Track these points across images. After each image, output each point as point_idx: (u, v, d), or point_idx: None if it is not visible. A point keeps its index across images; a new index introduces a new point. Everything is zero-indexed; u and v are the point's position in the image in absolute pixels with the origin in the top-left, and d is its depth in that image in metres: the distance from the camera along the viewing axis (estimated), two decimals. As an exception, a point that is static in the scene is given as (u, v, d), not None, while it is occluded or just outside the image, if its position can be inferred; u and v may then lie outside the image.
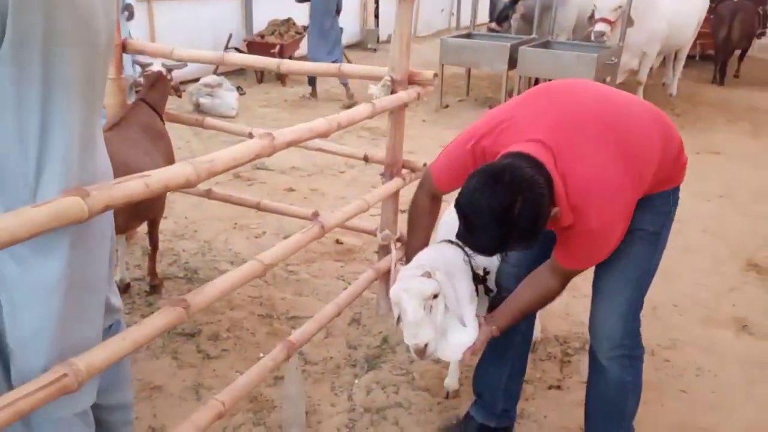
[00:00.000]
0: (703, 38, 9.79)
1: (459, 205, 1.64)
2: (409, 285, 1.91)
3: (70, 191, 1.25)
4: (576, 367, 2.91)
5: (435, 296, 1.92)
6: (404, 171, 2.87)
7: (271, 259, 2.02)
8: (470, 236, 1.65)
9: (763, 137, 6.90)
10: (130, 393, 1.90)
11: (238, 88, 7.59)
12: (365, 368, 2.85)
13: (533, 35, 7.49)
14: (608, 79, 6.77)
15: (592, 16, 6.92)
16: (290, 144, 1.95)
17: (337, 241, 4.01)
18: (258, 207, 3.39)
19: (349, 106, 6.80)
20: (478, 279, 2.17)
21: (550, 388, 2.78)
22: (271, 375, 2.45)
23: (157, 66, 3.19)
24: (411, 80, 2.67)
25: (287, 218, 4.36)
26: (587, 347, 3.12)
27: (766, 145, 6.64)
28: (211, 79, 7.11)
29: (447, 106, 7.59)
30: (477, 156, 1.82)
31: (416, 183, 3.31)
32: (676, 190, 1.98)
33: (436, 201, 2.17)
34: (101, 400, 1.64)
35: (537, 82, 7.13)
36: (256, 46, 8.39)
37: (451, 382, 2.70)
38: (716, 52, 9.60)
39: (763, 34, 10.90)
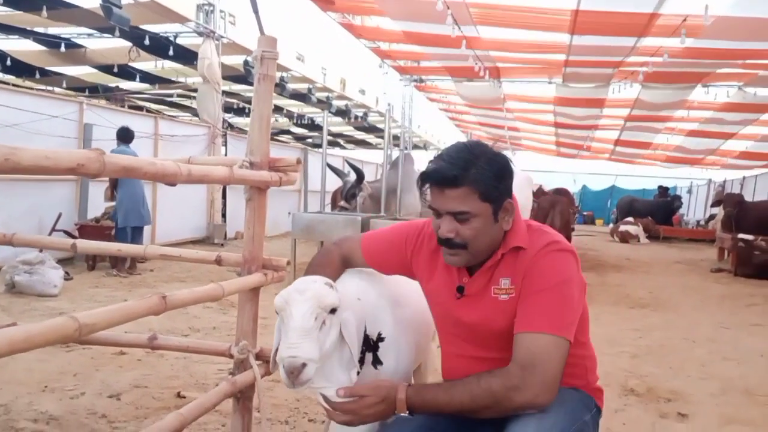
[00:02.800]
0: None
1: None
2: (305, 286, 1.51)
3: None
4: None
5: (333, 311, 1.50)
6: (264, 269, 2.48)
7: (90, 319, 1.48)
8: (434, 162, 1.59)
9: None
10: None
11: (66, 273, 6.77)
12: None
13: (381, 213, 7.75)
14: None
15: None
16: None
17: (178, 395, 3.30)
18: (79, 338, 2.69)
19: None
20: (369, 344, 1.74)
21: None
22: None
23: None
24: (272, 166, 2.42)
25: (118, 375, 3.61)
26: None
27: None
28: (32, 255, 6.30)
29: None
30: (422, 237, 1.79)
31: (279, 284, 2.92)
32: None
33: (342, 264, 1.92)
34: None
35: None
36: (89, 230, 7.77)
37: None
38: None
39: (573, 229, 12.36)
